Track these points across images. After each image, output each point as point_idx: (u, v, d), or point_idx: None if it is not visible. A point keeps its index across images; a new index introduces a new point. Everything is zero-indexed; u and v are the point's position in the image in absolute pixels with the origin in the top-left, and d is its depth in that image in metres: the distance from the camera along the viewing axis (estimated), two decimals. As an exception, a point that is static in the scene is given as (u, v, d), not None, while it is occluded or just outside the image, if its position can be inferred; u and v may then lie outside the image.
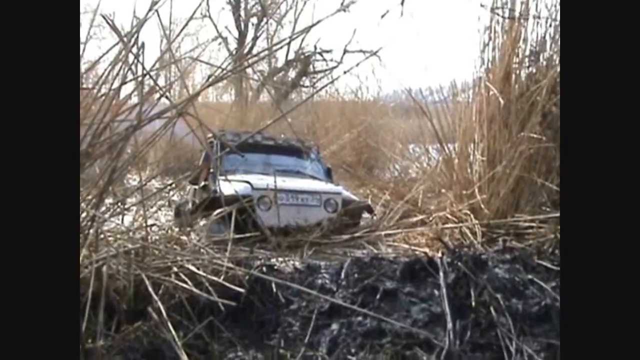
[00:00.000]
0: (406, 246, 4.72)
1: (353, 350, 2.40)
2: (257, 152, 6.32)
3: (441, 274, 2.75)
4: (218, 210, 3.58)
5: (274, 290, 2.78)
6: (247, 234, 3.60)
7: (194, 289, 2.56)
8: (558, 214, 3.75)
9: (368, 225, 5.52)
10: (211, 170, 5.46)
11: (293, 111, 10.55)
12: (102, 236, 2.66)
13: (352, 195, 5.90)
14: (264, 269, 2.99)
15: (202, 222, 3.99)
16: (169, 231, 3.34)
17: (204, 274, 2.67)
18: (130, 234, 2.88)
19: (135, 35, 2.57)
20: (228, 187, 4.59)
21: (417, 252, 4.15)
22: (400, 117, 11.43)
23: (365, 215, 5.93)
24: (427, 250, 4.45)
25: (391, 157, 9.11)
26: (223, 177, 4.89)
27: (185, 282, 2.61)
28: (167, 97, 2.76)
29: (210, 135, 5.42)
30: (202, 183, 5.48)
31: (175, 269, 2.72)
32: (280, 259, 3.36)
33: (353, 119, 11.51)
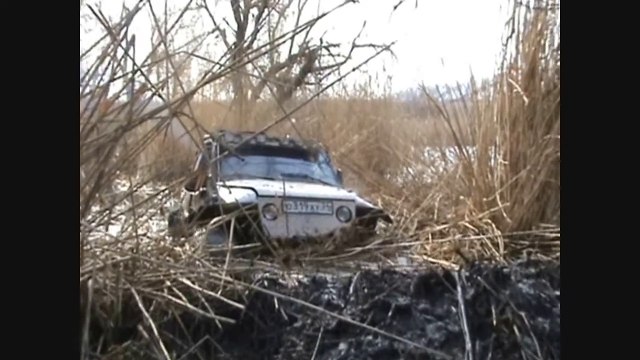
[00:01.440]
0: (420, 258, 4.72)
1: (362, 373, 2.40)
2: (260, 154, 6.28)
3: (459, 289, 2.74)
4: (215, 219, 3.59)
5: (276, 306, 2.79)
6: (247, 245, 3.60)
7: (189, 305, 2.57)
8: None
9: (384, 236, 5.49)
10: (209, 175, 5.45)
11: (297, 111, 10.57)
12: (87, 247, 2.67)
13: (366, 202, 5.84)
14: (265, 282, 2.99)
15: (198, 232, 4.00)
16: (162, 242, 3.35)
17: (200, 289, 2.68)
18: (119, 244, 2.89)
19: (125, 28, 2.58)
20: (229, 193, 4.59)
21: (432, 265, 4.14)
22: (414, 117, 11.44)
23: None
24: (443, 262, 4.44)
25: (404, 161, 9.12)
26: (223, 183, 4.88)
27: (179, 298, 2.62)
28: (159, 96, 2.76)
29: (207, 136, 5.42)
30: (199, 189, 5.46)
31: (168, 283, 2.73)
32: (283, 272, 3.35)
33: (362, 119, 11.52)
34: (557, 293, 2.72)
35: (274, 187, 5.35)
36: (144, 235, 3.45)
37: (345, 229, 5.29)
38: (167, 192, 4.61)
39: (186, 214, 5.66)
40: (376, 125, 10.94)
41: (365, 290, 2.87)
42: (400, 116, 11.68)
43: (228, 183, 5.09)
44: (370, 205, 5.83)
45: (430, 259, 4.64)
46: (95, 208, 2.94)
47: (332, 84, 16.78)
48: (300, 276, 3.24)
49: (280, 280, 3.15)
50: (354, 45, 17.07)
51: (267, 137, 6.47)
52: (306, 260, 4.41)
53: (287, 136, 6.81)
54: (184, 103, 2.75)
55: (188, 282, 2.72)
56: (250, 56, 5.28)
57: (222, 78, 11.03)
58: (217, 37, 16.78)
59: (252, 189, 5.29)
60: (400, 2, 5.25)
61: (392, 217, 5.95)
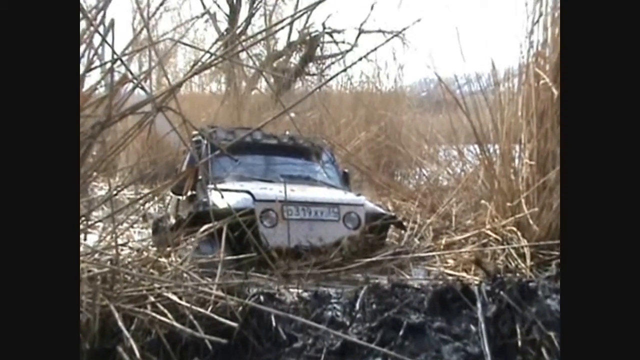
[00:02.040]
0: (437, 270, 4.72)
1: (371, 400, 2.40)
2: (256, 153, 6.27)
3: (479, 305, 2.74)
4: (206, 226, 3.59)
5: (274, 324, 2.79)
6: (241, 256, 3.61)
7: (175, 323, 2.57)
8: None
9: (397, 246, 5.48)
10: (199, 177, 5.44)
11: (297, 105, 10.60)
12: (62, 258, 2.68)
13: (377, 207, 5.83)
14: (262, 298, 3.00)
15: (186, 242, 4.01)
16: (145, 252, 3.35)
17: (188, 305, 2.68)
18: (96, 255, 2.90)
19: (103, 11, 2.59)
20: (221, 198, 4.59)
21: (449, 278, 4.14)
22: (428, 112, 11.44)
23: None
24: (462, 275, 4.44)
25: (417, 161, 9.12)
26: (214, 186, 4.87)
27: (165, 315, 2.62)
28: (142, 88, 2.77)
29: (196, 133, 5.43)
30: (188, 193, 5.46)
31: (151, 299, 2.73)
32: (282, 286, 3.36)
33: (370, 114, 11.53)
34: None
35: (272, 191, 5.35)
36: (125, 245, 3.46)
37: (354, 238, 5.27)
38: (150, 196, 4.62)
39: (172, 220, 5.65)
40: (385, 121, 10.94)
41: (374, 307, 2.87)
42: (412, 111, 11.69)
43: (220, 186, 5.09)
44: (382, 210, 5.82)
45: (448, 271, 4.64)
46: (69, 214, 2.94)
47: (336, 75, 16.81)
48: (301, 290, 3.25)
49: (278, 295, 3.16)
50: (360, 32, 17.12)
51: (263, 134, 6.47)
52: (309, 272, 4.41)
53: (287, 133, 6.81)
54: (170, 96, 2.76)
55: (174, 298, 2.73)
56: (244, 44, 5.27)
57: (213, 68, 11.06)
58: (207, 22, 16.82)
59: (248, 192, 5.28)
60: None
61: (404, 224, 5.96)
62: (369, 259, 4.85)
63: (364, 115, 11.55)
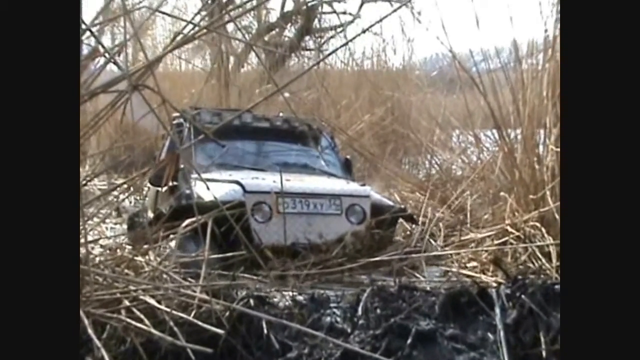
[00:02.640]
0: (450, 270, 4.72)
1: (374, 417, 2.41)
2: (246, 138, 6.23)
3: (497, 310, 2.75)
4: (188, 221, 3.58)
5: (265, 331, 2.79)
6: (229, 254, 3.60)
7: (153, 330, 2.57)
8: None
9: (406, 243, 5.47)
10: (180, 165, 5.42)
11: (293, 83, 10.55)
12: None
13: (383, 199, 5.81)
14: (252, 301, 2.99)
15: (166, 239, 4.01)
16: (119, 250, 3.35)
17: (168, 309, 2.67)
18: (64, 253, 2.89)
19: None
20: (207, 189, 4.59)
21: (464, 280, 4.15)
22: (441, 92, 11.41)
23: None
24: (479, 276, 4.44)
25: (427, 148, 9.12)
26: (198, 176, 4.82)
27: (141, 321, 2.62)
28: (115, 63, 2.76)
29: (177, 115, 5.41)
30: (168, 184, 5.43)
31: (126, 303, 2.73)
32: (274, 288, 3.37)
33: (375, 94, 11.50)
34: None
35: (265, 181, 5.33)
36: (96, 242, 3.45)
37: (358, 234, 5.26)
38: (125, 187, 4.61)
39: (150, 215, 5.65)
40: (392, 103, 10.93)
41: (378, 311, 2.87)
42: (423, 91, 11.62)
43: (205, 176, 5.05)
44: (390, 202, 5.80)
45: (463, 272, 4.64)
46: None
47: (336, 50, 16.79)
48: (296, 293, 3.25)
49: (270, 299, 3.16)
50: (363, 1, 17.07)
51: (254, 117, 6.42)
52: (307, 273, 4.41)
53: (281, 115, 6.76)
54: (148, 73, 2.75)
55: (152, 302, 2.72)
56: (232, 14, 5.24)
57: (197, 41, 11.01)
58: (189, -12, 16.76)
59: (237, 182, 5.25)
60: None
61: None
62: (375, 259, 4.85)
63: (368, 96, 11.51)
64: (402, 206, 6.04)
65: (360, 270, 4.65)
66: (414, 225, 5.87)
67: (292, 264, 4.60)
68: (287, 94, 8.51)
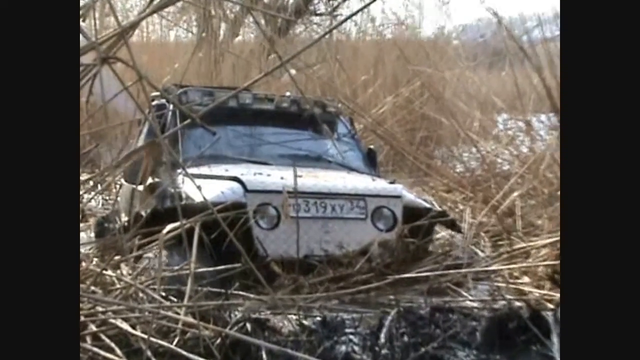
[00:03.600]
0: (499, 284, 4.68)
1: None
2: (245, 124, 6.14)
3: (555, 339, 2.76)
4: (170, 226, 3.57)
5: (265, 362, 2.81)
6: (220, 267, 3.59)
7: (126, 361, 2.59)
8: None
9: (446, 254, 5.42)
10: (163, 158, 5.35)
11: (299, 56, 10.50)
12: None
13: (417, 199, 5.74)
14: (248, 326, 3.01)
15: (144, 249, 4.01)
16: (84, 262, 3.35)
17: (144, 335, 2.68)
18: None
19: None
20: (198, 188, 4.57)
21: (512, 299, 4.13)
22: (483, 68, 11.38)
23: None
24: (533, 292, 4.42)
25: (466, 136, 9.10)
26: (185, 171, 4.76)
27: (111, 351, 2.62)
28: (81, 32, 2.76)
29: (157, 94, 5.38)
30: (147, 181, 5.38)
31: (92, 327, 2.74)
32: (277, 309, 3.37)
33: (400, 70, 11.47)
34: None
35: (270, 177, 5.25)
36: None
37: (388, 243, 5.17)
38: (91, 184, 4.58)
39: (124, 218, 5.65)
40: (422, 81, 10.88)
41: (405, 339, 2.88)
42: (460, 66, 11.61)
43: (194, 170, 5.01)
44: (426, 203, 5.74)
45: (515, 288, 4.61)
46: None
47: (352, 16, 16.72)
48: (302, 316, 3.25)
49: (272, 323, 3.16)
50: (387, -45, 17.04)
51: (255, 97, 6.31)
52: (325, 293, 4.36)
53: (288, 95, 6.66)
54: (120, 43, 2.75)
55: (125, 326, 2.74)
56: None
57: (180, 4, 11.03)
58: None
59: (237, 179, 5.20)
60: None
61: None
62: (410, 274, 4.77)
63: (392, 72, 11.51)
64: (442, 209, 5.97)
65: (390, 290, 4.58)
66: (452, 233, 5.80)
67: (306, 280, 4.54)
68: (292, 71, 8.48)
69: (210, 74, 11.72)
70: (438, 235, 5.86)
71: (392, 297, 4.27)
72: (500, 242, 5.84)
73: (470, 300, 4.25)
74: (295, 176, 4.80)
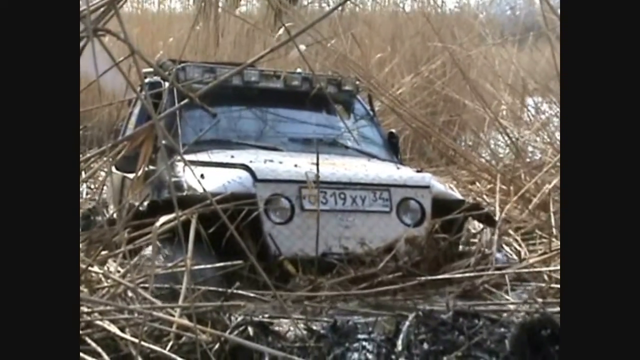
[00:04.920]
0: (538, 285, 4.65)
1: None
2: (250, 104, 6.13)
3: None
4: (164, 218, 3.56)
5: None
6: (218, 264, 3.58)
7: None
8: None
9: (479, 251, 5.36)
10: (160, 142, 5.29)
11: (308, 30, 10.44)
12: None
13: (448, 190, 5.68)
14: (250, 330, 3.02)
15: (135, 244, 4.00)
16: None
17: (135, 339, 2.69)
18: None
19: None
20: (201, 177, 4.55)
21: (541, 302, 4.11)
22: (513, 44, 11.33)
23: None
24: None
25: (493, 120, 9.09)
26: (183, 158, 4.72)
27: (98, 355, 2.63)
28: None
29: (150, 71, 5.35)
30: (139, 169, 5.29)
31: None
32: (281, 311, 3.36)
33: (420, 46, 11.47)
34: None
35: (283, 165, 5.21)
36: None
37: (416, 240, 5.15)
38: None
39: (112, 209, 5.65)
40: (444, 59, 10.86)
41: (425, 346, 2.88)
42: (487, 43, 11.59)
43: (196, 157, 4.98)
44: (457, 195, 5.68)
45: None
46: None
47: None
48: (308, 319, 3.25)
49: (277, 326, 3.16)
50: None
51: (262, 74, 6.25)
52: (345, 293, 4.33)
53: (298, 71, 6.59)
54: (110, 13, 2.72)
55: (113, 329, 2.75)
56: None
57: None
58: None
59: (245, 167, 5.17)
60: None
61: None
62: (445, 275, 4.68)
63: (410, 49, 11.46)
64: (476, 201, 5.93)
65: (420, 292, 4.53)
66: (480, 226, 5.75)
67: (325, 281, 4.51)
68: (302, 45, 8.42)
69: (207, 50, 11.70)
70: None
71: (420, 300, 4.23)
72: (532, 239, 5.83)
73: (512, 304, 4.21)
74: (318, 163, 4.76)
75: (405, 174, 5.44)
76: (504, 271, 4.79)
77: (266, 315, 3.27)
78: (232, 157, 5.27)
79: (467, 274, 4.73)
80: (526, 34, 10.65)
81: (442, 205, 5.27)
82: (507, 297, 4.43)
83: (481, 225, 5.69)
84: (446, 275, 4.70)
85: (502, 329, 2.91)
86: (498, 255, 5.07)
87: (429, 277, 4.63)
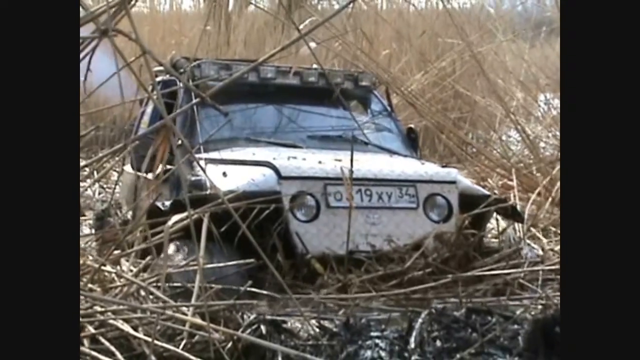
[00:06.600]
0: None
1: None
2: (267, 100, 6.10)
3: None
4: (176, 217, 3.57)
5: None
6: (232, 263, 3.60)
7: (128, 367, 2.60)
8: None
9: (506, 246, 5.33)
10: (176, 142, 5.26)
11: (319, 28, 10.42)
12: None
13: (474, 185, 5.59)
14: (263, 328, 3.02)
15: (147, 242, 4.01)
16: (81, 257, 3.35)
17: (148, 338, 2.69)
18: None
19: None
20: (223, 176, 4.56)
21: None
22: (525, 40, 11.28)
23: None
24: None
25: (505, 117, 9.06)
26: (194, 157, 4.69)
27: (111, 355, 2.63)
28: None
29: (160, 69, 5.35)
30: (157, 168, 5.26)
31: (90, 329, 2.75)
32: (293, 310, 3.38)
33: (430, 43, 11.45)
34: None
35: (306, 162, 5.18)
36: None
37: (444, 236, 5.15)
38: (88, 171, 4.57)
39: (125, 208, 5.65)
40: (455, 55, 10.84)
41: (438, 343, 2.89)
42: (499, 38, 11.56)
43: (215, 155, 4.95)
44: (483, 190, 5.64)
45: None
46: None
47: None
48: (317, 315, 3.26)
49: (289, 325, 3.17)
50: None
51: (278, 71, 6.22)
52: (379, 292, 4.30)
53: (314, 67, 6.53)
54: (121, 13, 2.73)
55: (127, 328, 2.75)
56: None
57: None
58: None
59: (269, 164, 5.14)
60: None
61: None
62: (477, 272, 4.66)
63: (420, 46, 11.45)
64: (501, 196, 5.88)
65: (450, 289, 4.44)
66: (501, 221, 5.71)
67: (355, 278, 4.48)
68: (312, 43, 8.40)
69: (218, 49, 11.69)
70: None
71: (453, 298, 4.19)
72: (547, 236, 5.82)
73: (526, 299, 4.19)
74: (352, 159, 4.76)
75: (431, 169, 5.43)
76: (539, 267, 4.73)
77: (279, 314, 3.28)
78: (254, 154, 5.25)
79: (500, 271, 4.70)
80: (537, 29, 10.61)
81: (468, 200, 5.25)
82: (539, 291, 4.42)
83: (500, 221, 5.71)
84: (480, 272, 4.70)
85: (516, 326, 2.91)
86: (526, 250, 5.07)
87: (463, 274, 4.61)
